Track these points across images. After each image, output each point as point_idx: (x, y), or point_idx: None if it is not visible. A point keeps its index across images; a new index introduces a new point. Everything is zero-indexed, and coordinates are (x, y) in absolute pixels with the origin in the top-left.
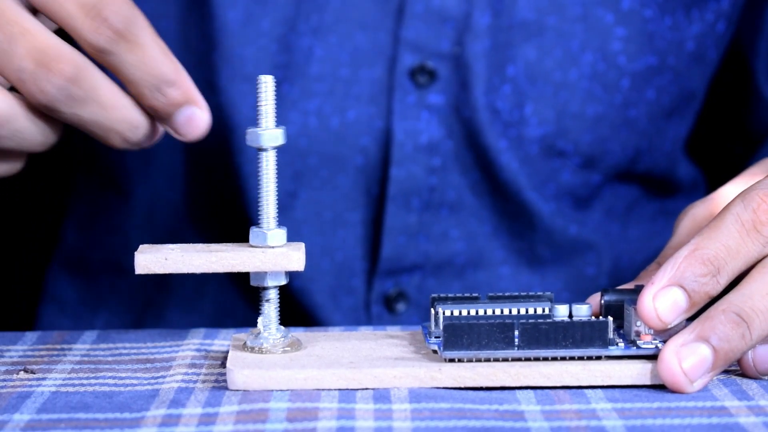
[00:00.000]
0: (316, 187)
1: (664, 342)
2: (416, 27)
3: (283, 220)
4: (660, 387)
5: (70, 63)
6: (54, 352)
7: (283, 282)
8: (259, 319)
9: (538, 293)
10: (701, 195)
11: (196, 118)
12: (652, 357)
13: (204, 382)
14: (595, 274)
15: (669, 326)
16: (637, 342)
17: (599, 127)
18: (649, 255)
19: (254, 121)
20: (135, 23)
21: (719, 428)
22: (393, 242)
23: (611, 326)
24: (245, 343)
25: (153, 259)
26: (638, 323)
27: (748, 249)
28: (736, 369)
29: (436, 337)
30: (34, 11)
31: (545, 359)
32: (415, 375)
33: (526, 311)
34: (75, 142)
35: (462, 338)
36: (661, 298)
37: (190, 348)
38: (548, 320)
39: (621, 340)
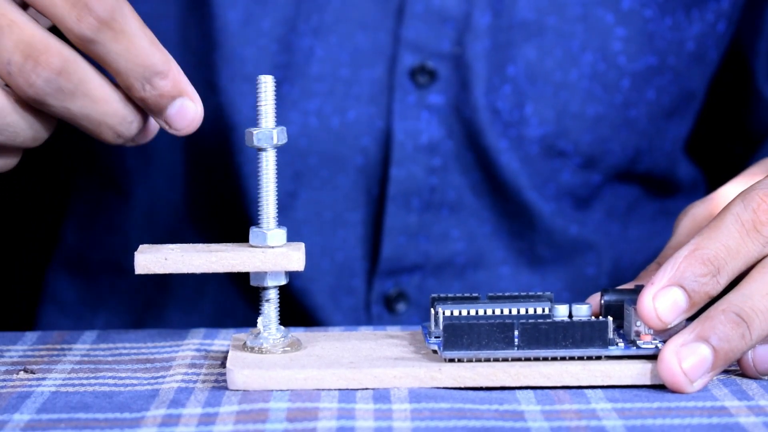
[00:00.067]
0: (316, 187)
1: (664, 342)
2: (416, 27)
3: (283, 220)
4: (660, 387)
5: (57, 55)
6: (54, 352)
7: (283, 282)
8: (259, 319)
9: (538, 293)
10: (701, 195)
11: (187, 110)
12: (652, 357)
13: (204, 382)
14: (595, 274)
15: (669, 326)
16: (637, 342)
17: (599, 127)
18: (649, 255)
19: (254, 121)
20: (119, 11)
21: (719, 428)
22: (393, 242)
23: (611, 326)
24: (245, 343)
25: (153, 259)
26: (638, 323)
27: (748, 249)
28: (736, 369)
29: (436, 337)
30: (24, 6)
31: (545, 359)
32: (415, 375)
33: (526, 311)
34: (75, 142)
35: (462, 338)
36: (661, 298)
37: (190, 348)
38: (548, 320)
39: (621, 340)
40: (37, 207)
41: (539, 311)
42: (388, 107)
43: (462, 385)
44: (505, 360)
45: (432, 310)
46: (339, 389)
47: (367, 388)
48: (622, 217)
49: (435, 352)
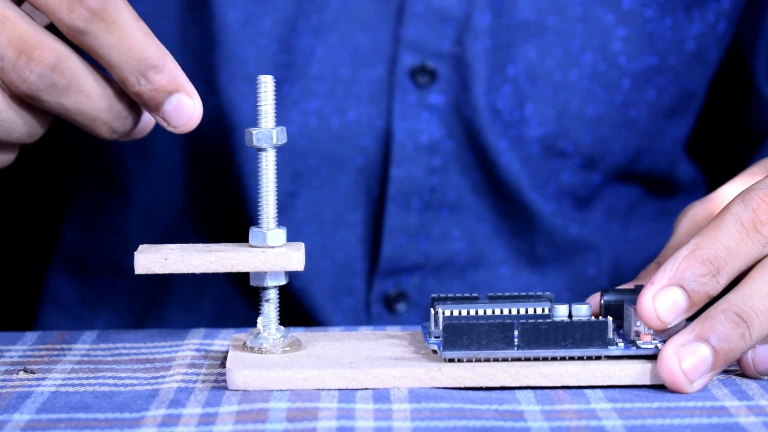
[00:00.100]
0: (317, 187)
1: (664, 342)
2: (416, 27)
3: (283, 220)
4: (660, 387)
5: (51, 51)
6: (54, 352)
7: (283, 282)
8: (259, 319)
9: (538, 293)
10: (701, 195)
11: (185, 107)
12: (652, 357)
13: (204, 382)
14: (595, 275)
15: (669, 326)
16: (637, 342)
17: (599, 127)
18: (649, 255)
19: (254, 121)
20: (111, 3)
21: (719, 428)
22: (393, 242)
23: (611, 326)
24: (245, 343)
25: (153, 259)
26: (638, 323)
27: (748, 249)
28: (736, 369)
29: (435, 337)
30: (19, 2)
31: (545, 359)
32: (415, 375)
33: (526, 311)
34: (75, 142)
35: (462, 338)
36: (660, 298)
37: (189, 348)
38: (548, 320)
39: (621, 340)
40: (37, 207)
41: (539, 311)
42: (388, 107)
43: (462, 385)
44: (505, 360)
45: (432, 310)
46: (339, 389)
47: (367, 388)
48: (622, 217)
49: (435, 352)
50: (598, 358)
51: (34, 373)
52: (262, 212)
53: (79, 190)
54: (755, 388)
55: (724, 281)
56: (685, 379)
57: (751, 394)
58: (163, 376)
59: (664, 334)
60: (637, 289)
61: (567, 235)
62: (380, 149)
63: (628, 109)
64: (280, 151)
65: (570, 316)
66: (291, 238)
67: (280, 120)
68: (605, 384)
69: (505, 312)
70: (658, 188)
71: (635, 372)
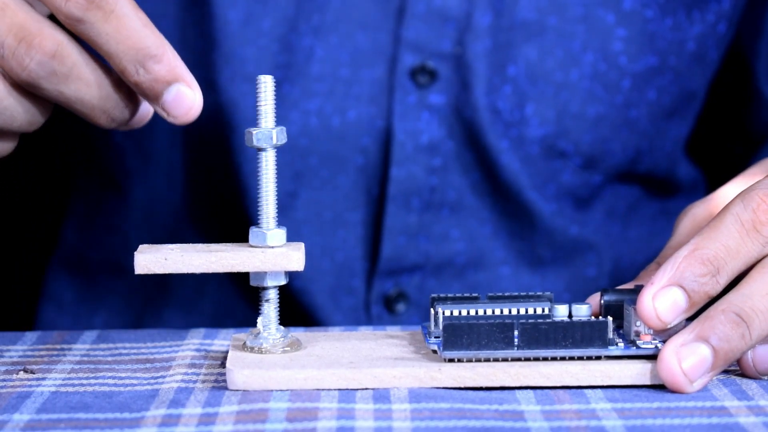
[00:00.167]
0: (317, 187)
1: (664, 342)
2: (417, 27)
3: (283, 220)
4: (660, 387)
5: (50, 39)
6: (54, 352)
7: (283, 282)
8: (259, 319)
9: (538, 293)
10: (701, 195)
11: (185, 97)
12: (652, 357)
13: (204, 382)
14: (595, 275)
15: (669, 326)
16: (637, 342)
17: (600, 128)
18: (649, 255)
19: (254, 121)
20: None
21: (719, 428)
22: (393, 242)
23: (611, 326)
24: (245, 343)
25: (153, 259)
26: (638, 323)
27: (748, 249)
28: (736, 369)
29: (435, 337)
30: None
31: (545, 359)
32: (415, 375)
33: (526, 311)
34: (75, 142)
35: (462, 338)
36: (660, 298)
37: (189, 348)
38: (548, 320)
39: (621, 340)
40: (37, 207)
41: (539, 311)
42: (388, 107)
43: (462, 385)
44: (505, 360)
45: (432, 310)
46: (339, 389)
47: (366, 388)
48: (622, 217)
49: (435, 352)
50: (598, 358)
51: (34, 373)
52: (262, 212)
53: (78, 189)
54: (755, 388)
55: (724, 281)
56: (685, 379)
57: (751, 394)
58: (163, 376)
59: (664, 334)
60: (637, 289)
61: (567, 235)
62: (380, 149)
63: (628, 110)
64: (280, 151)
65: (570, 316)
66: (291, 238)
67: (280, 120)
68: (605, 384)
69: (505, 312)
70: (658, 188)
71: (635, 372)
